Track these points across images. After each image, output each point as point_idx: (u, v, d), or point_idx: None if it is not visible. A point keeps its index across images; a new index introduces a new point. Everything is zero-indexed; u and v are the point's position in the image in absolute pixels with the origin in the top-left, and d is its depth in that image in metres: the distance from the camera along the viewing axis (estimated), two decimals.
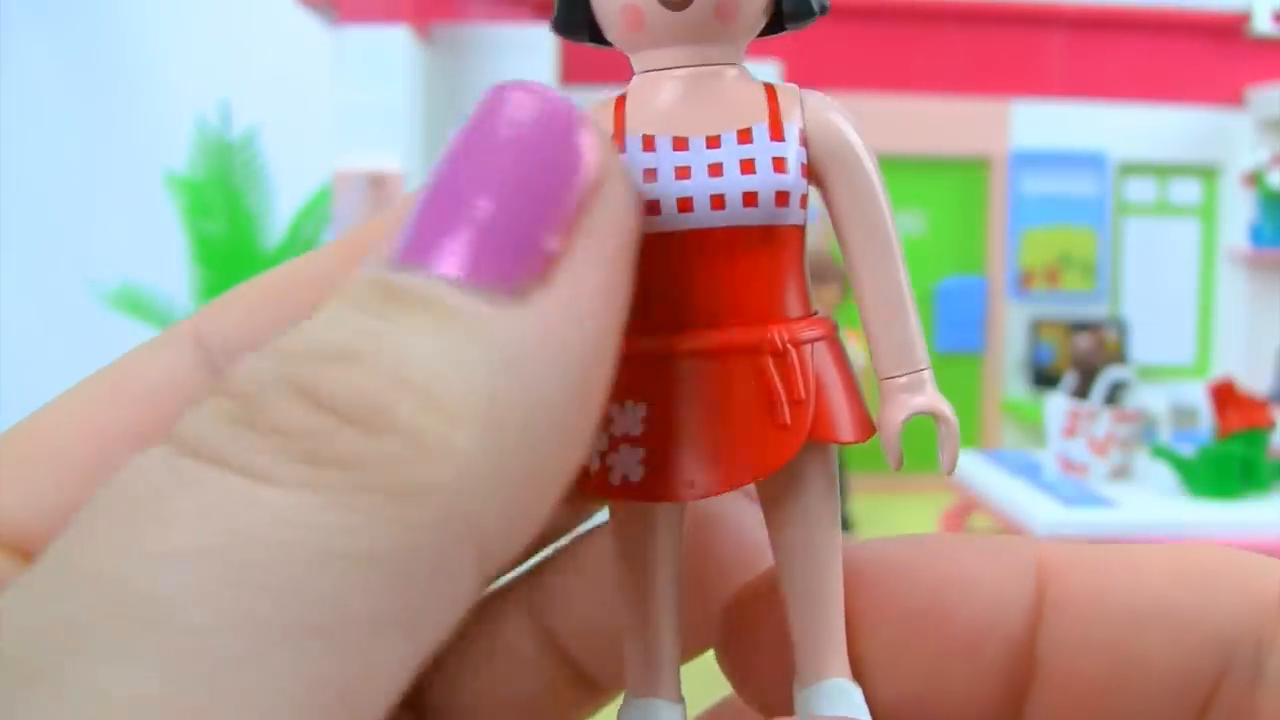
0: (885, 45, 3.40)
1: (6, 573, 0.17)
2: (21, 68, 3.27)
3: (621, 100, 0.20)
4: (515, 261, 0.15)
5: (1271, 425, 1.93)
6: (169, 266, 2.95)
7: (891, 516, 2.90)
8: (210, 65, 3.17)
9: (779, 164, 0.19)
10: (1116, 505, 1.87)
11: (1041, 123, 3.42)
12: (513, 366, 0.15)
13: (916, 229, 3.44)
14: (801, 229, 0.19)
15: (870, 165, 0.20)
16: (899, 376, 0.20)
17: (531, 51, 2.69)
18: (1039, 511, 1.84)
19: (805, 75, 3.19)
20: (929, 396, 0.20)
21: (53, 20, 3.31)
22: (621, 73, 0.20)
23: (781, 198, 0.19)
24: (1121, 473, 2.01)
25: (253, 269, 2.98)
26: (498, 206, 0.16)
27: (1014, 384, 3.48)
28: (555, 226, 0.16)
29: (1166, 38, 3.46)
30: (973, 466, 2.19)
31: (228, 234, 2.97)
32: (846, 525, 2.76)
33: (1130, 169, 3.53)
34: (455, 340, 0.14)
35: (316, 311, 0.15)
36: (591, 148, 0.17)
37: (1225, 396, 1.94)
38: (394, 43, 2.43)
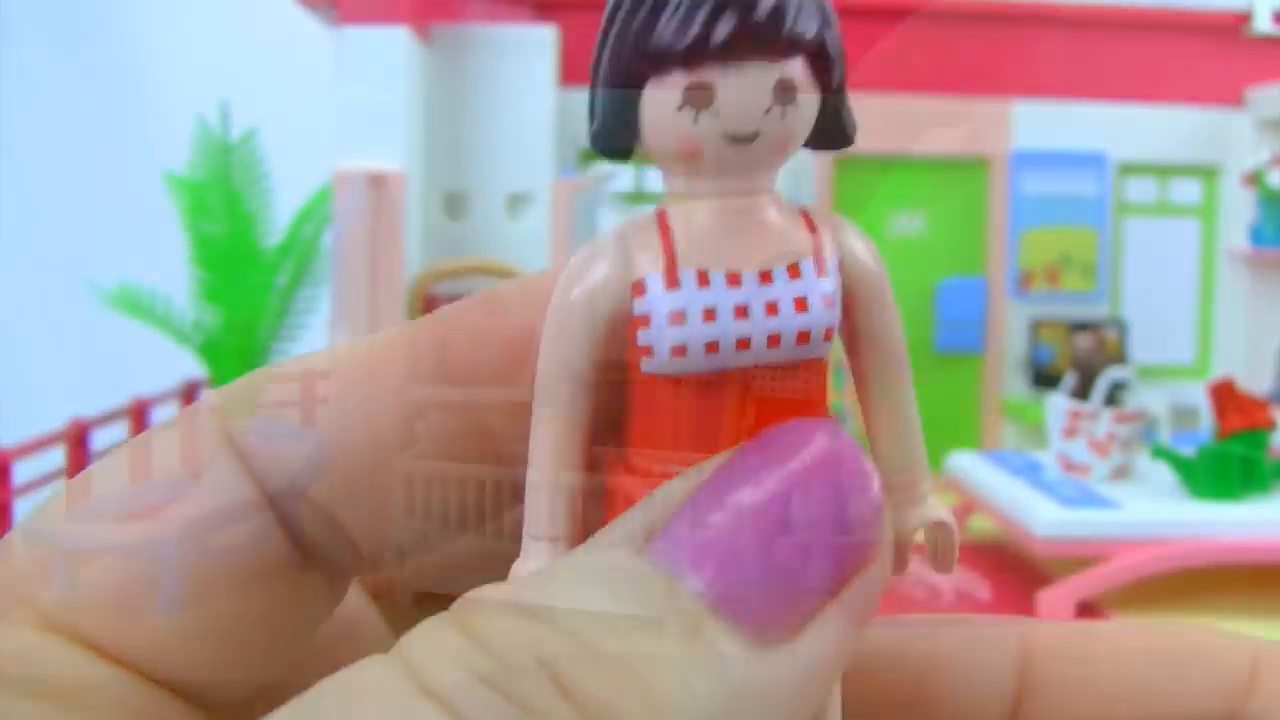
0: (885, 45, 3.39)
1: (38, 649, 0.18)
2: (21, 67, 3.27)
3: (664, 225, 0.19)
4: (777, 611, 0.15)
5: (1271, 425, 1.92)
6: (169, 266, 2.95)
7: None
8: (210, 65, 3.17)
9: (828, 301, 0.19)
10: (1117, 505, 1.87)
11: (1041, 123, 3.42)
12: (741, 712, 0.15)
13: (916, 229, 3.44)
14: (828, 356, 0.20)
15: (890, 293, 0.21)
16: (901, 488, 0.21)
17: (531, 52, 2.69)
18: (1039, 512, 1.84)
19: None
20: (930, 508, 0.21)
21: (53, 20, 3.31)
22: None
23: (828, 334, 0.19)
24: (1122, 473, 2.00)
25: (252, 269, 2.99)
26: (779, 550, 0.16)
27: (1014, 384, 3.48)
28: (825, 591, 0.16)
29: (1166, 38, 3.46)
30: (973, 467, 2.19)
31: (227, 234, 2.97)
32: None
33: (1130, 169, 3.53)
34: (701, 678, 0.15)
35: (573, 569, 0.16)
36: (881, 527, 0.17)
37: (1225, 396, 1.94)
38: (394, 43, 2.43)
